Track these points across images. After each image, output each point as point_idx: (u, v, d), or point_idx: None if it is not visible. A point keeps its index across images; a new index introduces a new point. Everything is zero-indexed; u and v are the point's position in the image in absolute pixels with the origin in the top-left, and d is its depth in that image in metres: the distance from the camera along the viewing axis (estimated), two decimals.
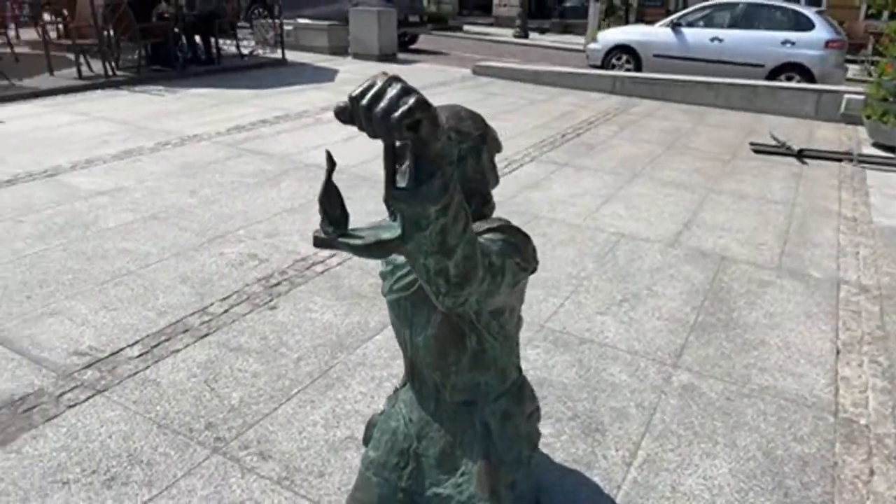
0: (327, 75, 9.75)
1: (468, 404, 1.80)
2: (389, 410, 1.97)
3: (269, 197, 4.52)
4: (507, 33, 19.43)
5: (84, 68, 8.34)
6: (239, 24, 12.62)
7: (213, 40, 9.86)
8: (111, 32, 8.58)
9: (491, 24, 22.46)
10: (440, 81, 9.77)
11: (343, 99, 0.93)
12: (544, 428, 2.32)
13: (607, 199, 4.84)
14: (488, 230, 1.55)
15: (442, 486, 1.86)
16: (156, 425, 2.28)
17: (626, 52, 10.87)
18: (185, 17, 9.48)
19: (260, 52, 10.98)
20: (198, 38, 9.83)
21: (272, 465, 2.13)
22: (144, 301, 3.09)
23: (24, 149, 5.41)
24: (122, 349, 2.71)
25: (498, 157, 1.68)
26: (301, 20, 12.39)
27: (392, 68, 10.84)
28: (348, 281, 3.37)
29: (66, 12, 9.70)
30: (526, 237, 1.58)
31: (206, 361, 2.66)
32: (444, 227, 1.12)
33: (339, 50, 11.79)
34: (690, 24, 10.52)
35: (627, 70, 10.57)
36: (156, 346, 2.75)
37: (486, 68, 10.31)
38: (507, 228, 1.56)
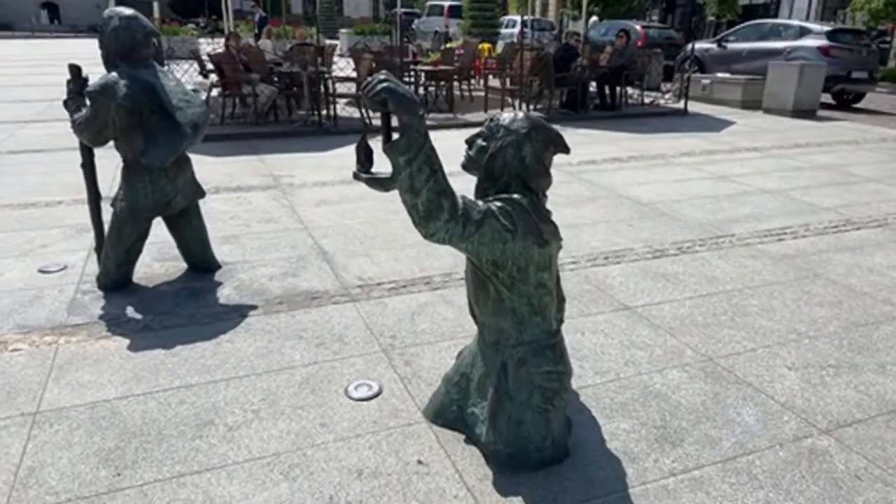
0: (717, 126, 9.75)
1: (497, 344, 2.27)
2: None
3: (563, 214, 5.23)
4: None
5: (509, 109, 10.39)
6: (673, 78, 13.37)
7: (618, 89, 10.92)
8: (535, 80, 10.46)
9: None
10: (846, 140, 8.74)
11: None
12: (623, 421, 2.53)
13: None
14: (497, 199, 2.07)
15: (477, 406, 2.38)
16: (365, 325, 3.32)
17: None
18: (598, 68, 10.78)
19: (661, 102, 11.57)
20: (607, 88, 11.03)
21: (407, 369, 2.91)
22: (419, 260, 4.21)
23: None
24: (382, 282, 3.86)
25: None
26: (720, 74, 12.47)
27: (802, 124, 10.09)
28: None
29: (514, 64, 12.11)
30: (526, 212, 2.03)
31: (424, 303, 3.59)
32: (410, 174, 1.85)
33: (752, 104, 11.48)
34: None
35: None
36: (403, 286, 3.81)
37: None
38: (511, 201, 2.05)
